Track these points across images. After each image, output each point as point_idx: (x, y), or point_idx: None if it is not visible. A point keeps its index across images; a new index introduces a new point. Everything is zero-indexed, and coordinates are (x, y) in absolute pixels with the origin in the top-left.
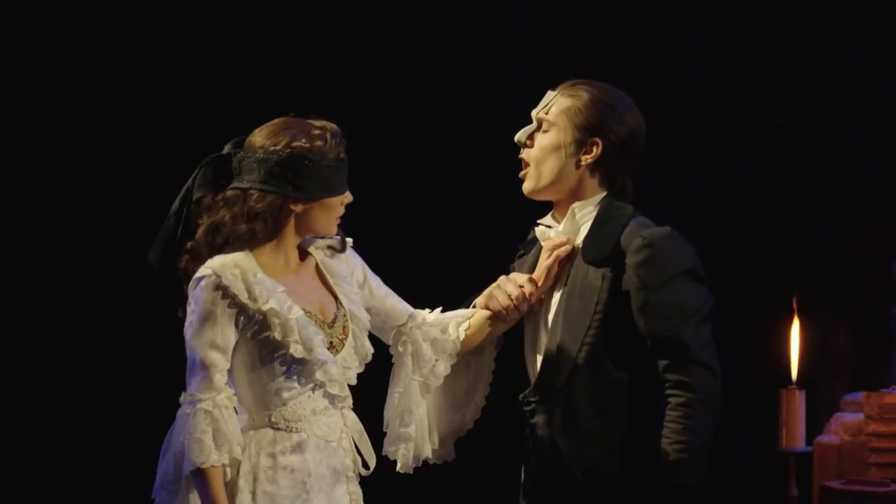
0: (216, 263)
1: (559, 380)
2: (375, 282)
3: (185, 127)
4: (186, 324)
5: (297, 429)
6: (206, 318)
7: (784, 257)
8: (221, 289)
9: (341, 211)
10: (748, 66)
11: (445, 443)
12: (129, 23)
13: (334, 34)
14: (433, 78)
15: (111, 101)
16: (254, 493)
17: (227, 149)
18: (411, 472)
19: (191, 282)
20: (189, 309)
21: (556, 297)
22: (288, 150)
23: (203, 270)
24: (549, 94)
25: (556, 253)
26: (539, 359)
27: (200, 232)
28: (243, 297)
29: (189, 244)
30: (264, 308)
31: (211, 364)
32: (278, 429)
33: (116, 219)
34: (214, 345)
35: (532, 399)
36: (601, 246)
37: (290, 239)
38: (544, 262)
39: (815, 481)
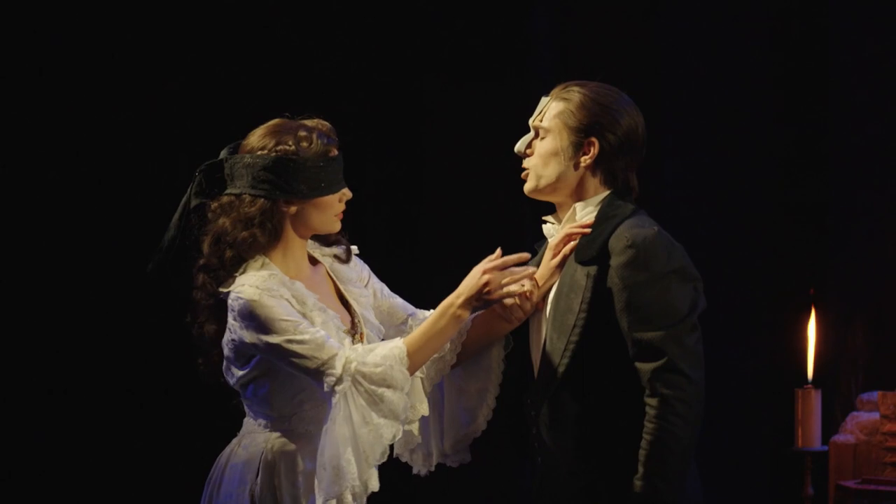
0: (253, 280)
1: (550, 379)
2: (379, 285)
3: (190, 127)
4: (266, 342)
5: (316, 434)
6: (275, 314)
7: (801, 256)
8: (274, 291)
9: (340, 207)
10: (763, 61)
11: (460, 445)
12: (140, 19)
13: (344, 36)
14: (449, 82)
15: (117, 103)
16: (275, 496)
17: (222, 154)
18: (423, 474)
19: (236, 309)
20: (248, 332)
21: (552, 295)
22: (274, 154)
23: (243, 291)
24: (543, 100)
25: (562, 251)
26: (538, 358)
27: (206, 245)
28: (291, 301)
29: (200, 261)
30: (308, 307)
31: (315, 337)
32: (297, 434)
33: (121, 221)
34: (300, 320)
35: (532, 399)
36: (590, 246)
37: (295, 242)
38: (547, 260)
39: (831, 481)
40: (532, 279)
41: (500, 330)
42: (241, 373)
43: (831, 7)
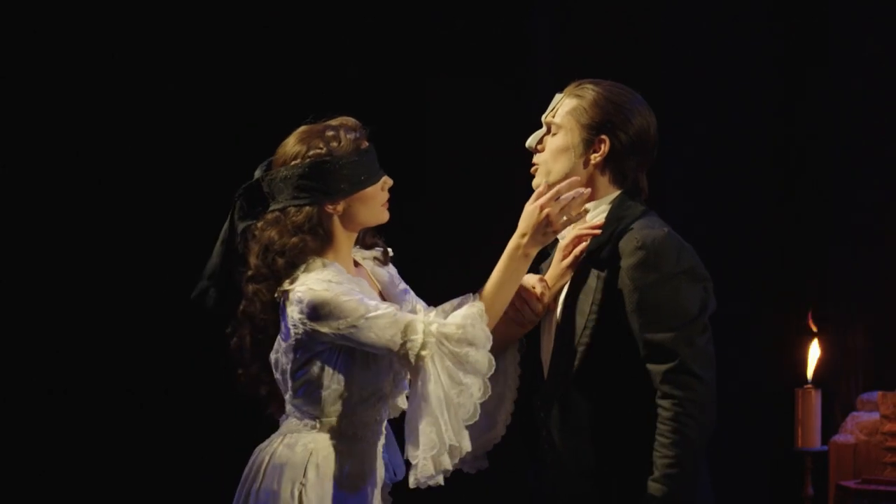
0: (322, 275)
1: (561, 381)
2: (404, 286)
3: (190, 127)
4: (343, 326)
5: (361, 437)
6: (346, 298)
7: (801, 255)
8: (344, 285)
9: (385, 196)
10: (764, 67)
11: (478, 451)
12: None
13: (345, 35)
14: (449, 81)
15: (117, 103)
16: (322, 497)
17: (256, 174)
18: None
19: (304, 302)
20: (321, 322)
21: (563, 297)
22: (308, 160)
23: (312, 285)
24: (557, 97)
25: (573, 252)
26: (548, 360)
27: (253, 257)
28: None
29: (249, 273)
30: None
31: (388, 311)
32: (345, 436)
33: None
34: (370, 298)
35: (542, 401)
36: (601, 247)
37: (344, 241)
38: (558, 261)
39: (831, 481)
40: (542, 281)
41: (513, 334)
42: (298, 372)
43: (831, 7)
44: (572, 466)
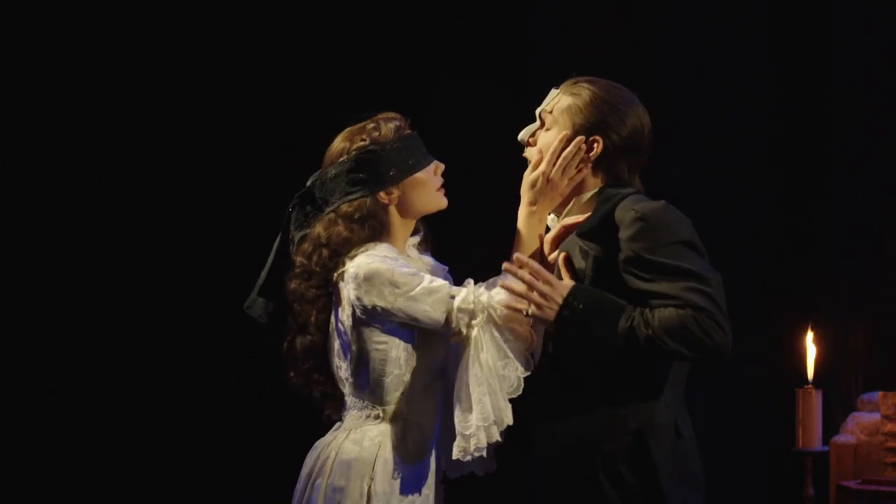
0: (377, 251)
1: (559, 363)
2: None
3: (189, 127)
4: (402, 296)
5: (422, 425)
6: (404, 270)
7: (801, 256)
8: (399, 260)
9: (439, 181)
10: (764, 67)
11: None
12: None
13: (345, 35)
14: (449, 81)
15: (117, 103)
16: (389, 491)
17: (309, 182)
18: (451, 477)
19: (361, 276)
20: (378, 296)
21: None
22: (354, 153)
23: (368, 259)
24: (553, 93)
25: (561, 248)
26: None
27: (300, 256)
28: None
29: (297, 269)
30: None
31: (443, 283)
32: (409, 424)
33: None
34: (420, 271)
35: (532, 386)
36: (591, 220)
37: (400, 230)
38: (546, 254)
39: (832, 481)
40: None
41: None
42: (359, 358)
43: (831, 7)
44: (570, 445)
